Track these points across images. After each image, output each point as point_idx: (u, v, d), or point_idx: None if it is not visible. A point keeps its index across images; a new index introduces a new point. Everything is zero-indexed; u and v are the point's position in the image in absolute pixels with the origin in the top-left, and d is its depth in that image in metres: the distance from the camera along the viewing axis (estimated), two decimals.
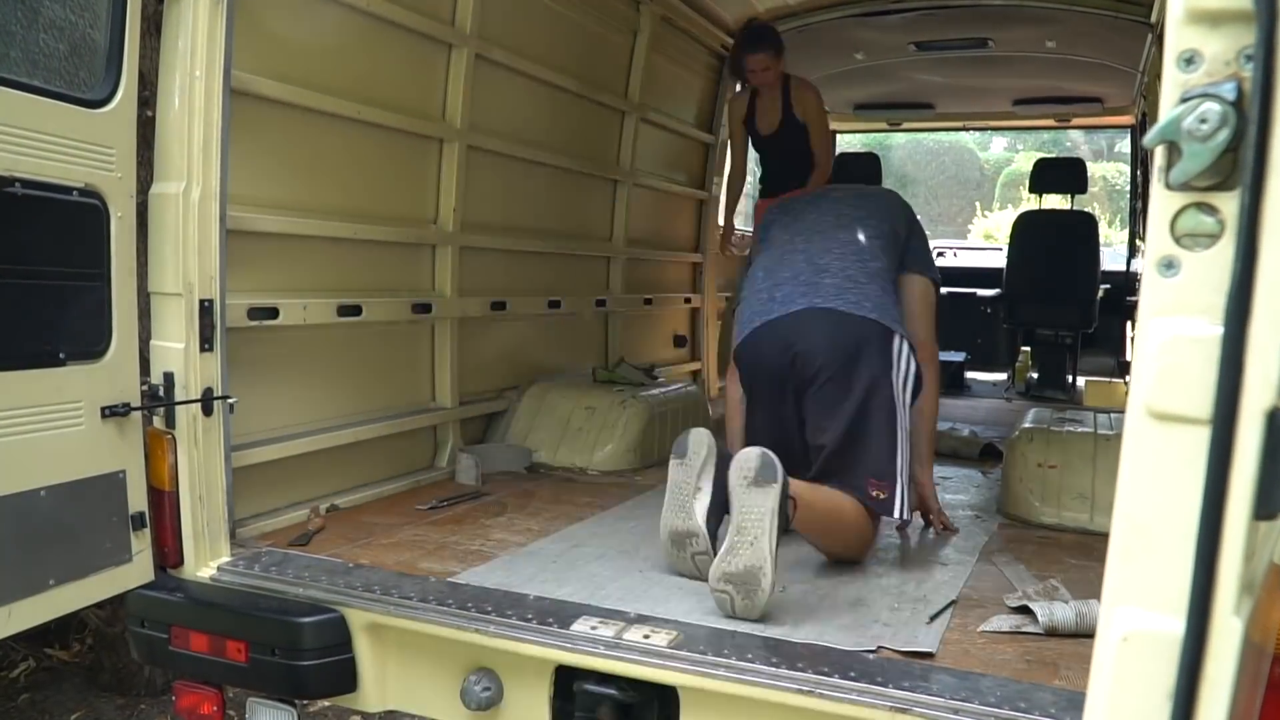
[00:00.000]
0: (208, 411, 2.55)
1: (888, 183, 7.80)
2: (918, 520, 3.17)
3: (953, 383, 6.72)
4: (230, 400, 2.61)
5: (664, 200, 5.64)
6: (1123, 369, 6.91)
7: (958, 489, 3.85)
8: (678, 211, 5.92)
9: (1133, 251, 7.15)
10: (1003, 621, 2.34)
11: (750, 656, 2.06)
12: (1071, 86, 6.57)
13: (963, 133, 22.52)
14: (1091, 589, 2.30)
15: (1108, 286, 6.76)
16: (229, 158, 2.56)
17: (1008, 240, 7.10)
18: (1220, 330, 1.10)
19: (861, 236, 3.17)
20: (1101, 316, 6.65)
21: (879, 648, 2.16)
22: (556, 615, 2.27)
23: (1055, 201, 7.10)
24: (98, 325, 2.36)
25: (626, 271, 5.19)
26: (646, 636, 2.14)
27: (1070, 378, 6.71)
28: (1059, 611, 2.30)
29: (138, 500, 2.46)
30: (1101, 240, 6.96)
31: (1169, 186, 1.15)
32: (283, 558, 2.64)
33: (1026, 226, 6.82)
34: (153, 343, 2.53)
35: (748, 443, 2.77)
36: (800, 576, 2.66)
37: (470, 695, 2.33)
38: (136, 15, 2.37)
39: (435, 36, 3.56)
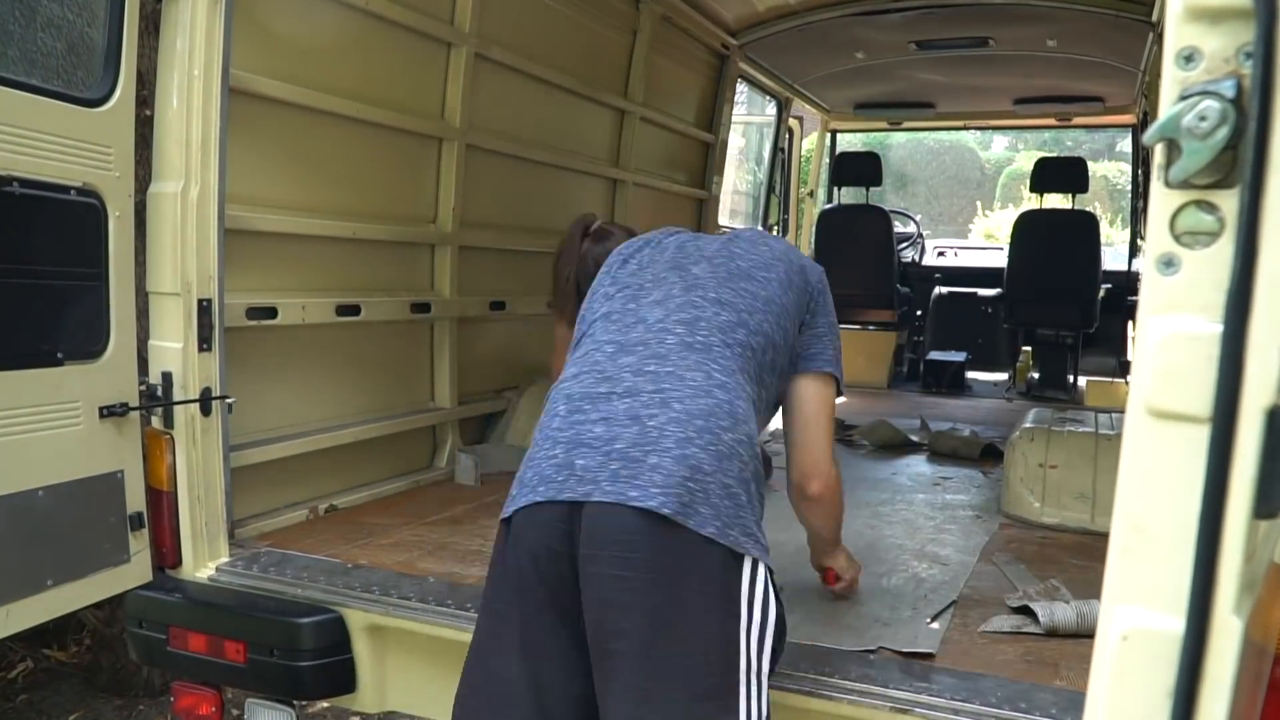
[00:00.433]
0: (206, 411, 2.54)
1: (888, 182, 7.79)
2: (920, 521, 3.16)
3: (953, 383, 6.72)
4: (229, 400, 2.61)
5: (664, 200, 5.63)
6: (1124, 369, 6.91)
7: (958, 489, 3.84)
8: (678, 211, 5.91)
9: (1134, 251, 7.15)
10: (1003, 622, 2.34)
11: None
12: (1072, 85, 6.56)
13: (963, 132, 22.54)
14: (1092, 589, 2.30)
15: (1109, 286, 6.76)
16: (227, 157, 2.56)
17: (1009, 240, 7.10)
18: (1220, 328, 1.10)
19: (707, 286, 2.03)
20: (1102, 316, 6.64)
21: (879, 648, 2.15)
22: None
23: (1056, 201, 7.09)
24: (96, 325, 2.36)
25: None
26: None
27: (1071, 377, 6.71)
28: (1060, 612, 2.29)
29: (136, 500, 2.46)
30: (1103, 240, 6.96)
31: (1168, 184, 1.15)
32: (281, 558, 2.64)
33: (1027, 226, 6.81)
34: (151, 342, 2.52)
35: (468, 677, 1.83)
36: (800, 577, 2.65)
37: None
38: (135, 14, 2.37)
39: (434, 35, 3.56)
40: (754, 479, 1.78)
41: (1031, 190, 7.12)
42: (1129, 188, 8.37)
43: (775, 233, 7.43)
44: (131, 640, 2.59)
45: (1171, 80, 1.14)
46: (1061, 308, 6.55)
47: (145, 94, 2.56)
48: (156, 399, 2.48)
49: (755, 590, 1.70)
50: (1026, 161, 20.47)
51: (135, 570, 2.47)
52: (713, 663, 1.65)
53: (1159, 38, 4.07)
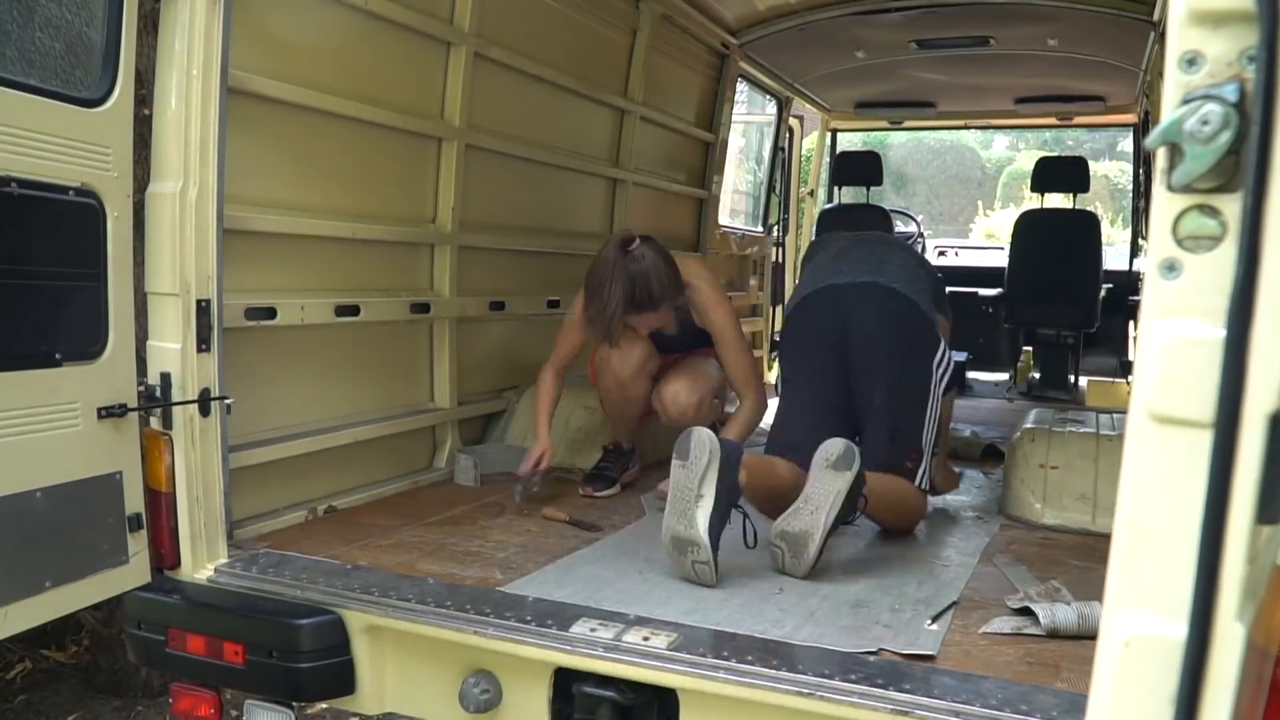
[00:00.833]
0: (205, 412, 2.54)
1: (888, 181, 7.77)
2: (922, 522, 3.16)
3: (954, 383, 6.70)
4: (227, 401, 2.60)
5: (664, 199, 5.63)
6: (1125, 369, 6.90)
7: (959, 490, 3.83)
8: (677, 210, 5.91)
9: (1135, 251, 7.14)
10: (1004, 623, 2.33)
11: (751, 658, 2.06)
12: (1073, 85, 6.55)
13: (964, 131, 22.52)
14: (1093, 590, 2.29)
15: (1110, 286, 6.74)
16: (226, 157, 2.55)
17: (1009, 239, 7.10)
18: (1223, 333, 1.09)
19: (907, 259, 3.51)
20: (1104, 316, 6.63)
21: (880, 650, 2.15)
22: (555, 617, 2.26)
23: (1057, 200, 7.09)
24: (94, 325, 2.35)
25: None
26: (646, 638, 2.13)
27: (1072, 378, 6.70)
28: (1061, 613, 2.29)
29: (134, 501, 2.45)
30: (1104, 239, 6.95)
31: (1171, 189, 1.14)
32: (280, 559, 2.63)
33: (1028, 225, 6.81)
34: (149, 343, 2.52)
35: (792, 410, 3.28)
36: (800, 578, 2.65)
37: (469, 697, 2.32)
38: (133, 13, 2.36)
39: (433, 35, 3.55)
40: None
41: (1032, 190, 7.11)
42: (1130, 187, 8.37)
43: (775, 232, 7.43)
44: (130, 641, 2.58)
45: (1174, 84, 1.13)
46: (1062, 307, 6.54)
47: (144, 94, 2.55)
48: (155, 400, 2.47)
49: (940, 347, 3.23)
50: (1027, 161, 20.44)
51: (134, 571, 2.47)
52: (923, 377, 3.18)
53: (1160, 37, 4.06)
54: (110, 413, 2.36)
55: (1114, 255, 7.43)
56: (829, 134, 7.98)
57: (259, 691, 2.50)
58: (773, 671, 2.01)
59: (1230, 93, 1.09)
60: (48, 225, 2.24)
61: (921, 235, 8.84)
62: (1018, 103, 7.08)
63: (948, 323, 3.59)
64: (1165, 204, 1.16)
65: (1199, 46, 1.12)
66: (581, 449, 3.95)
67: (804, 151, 8.08)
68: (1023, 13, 5.11)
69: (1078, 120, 7.82)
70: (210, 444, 2.56)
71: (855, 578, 2.68)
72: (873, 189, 7.40)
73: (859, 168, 7.33)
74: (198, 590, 2.54)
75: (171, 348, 2.49)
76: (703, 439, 2.63)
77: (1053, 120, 7.91)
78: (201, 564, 2.56)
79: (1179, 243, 1.15)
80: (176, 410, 2.49)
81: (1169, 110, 1.12)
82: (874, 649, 2.15)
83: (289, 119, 3.03)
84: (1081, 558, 2.87)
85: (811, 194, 8.08)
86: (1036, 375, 6.81)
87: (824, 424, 2.98)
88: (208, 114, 2.49)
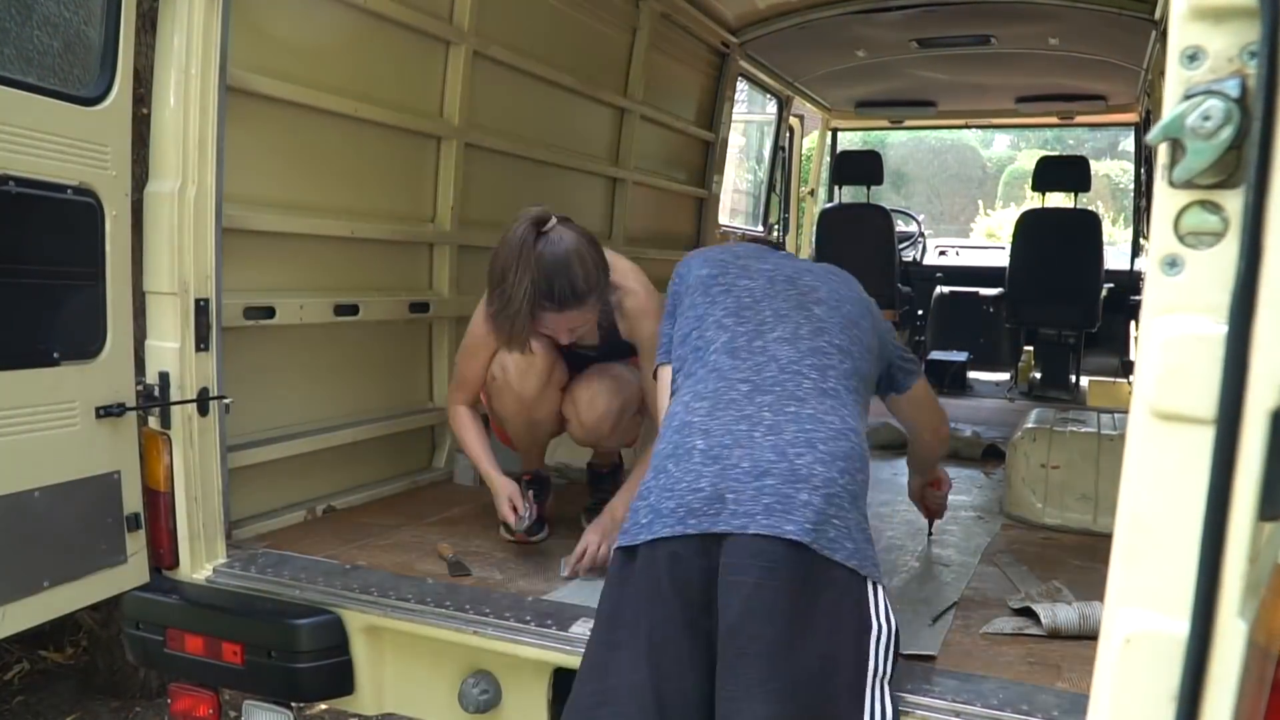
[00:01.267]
0: (203, 411, 2.53)
1: (888, 180, 7.77)
2: (921, 522, 3.15)
3: (954, 383, 6.70)
4: (226, 400, 2.59)
5: (664, 198, 5.62)
6: (1127, 369, 6.89)
7: (960, 490, 3.82)
8: (677, 209, 5.90)
9: (1137, 250, 7.13)
10: (1005, 623, 2.32)
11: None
12: (1075, 84, 6.55)
13: (965, 130, 22.51)
14: (1095, 590, 2.28)
15: (1111, 285, 6.73)
16: (225, 155, 2.54)
17: (1010, 239, 7.08)
18: (1224, 329, 1.09)
19: (831, 331, 2.19)
20: (1105, 316, 6.62)
21: None
22: (555, 617, 2.26)
23: (1059, 200, 7.08)
24: (92, 325, 2.35)
25: None
26: None
27: (1073, 377, 6.69)
28: (1062, 613, 2.28)
29: (133, 501, 2.45)
30: (1105, 239, 6.94)
31: (1172, 184, 1.14)
32: (279, 559, 2.63)
33: (1029, 225, 6.79)
34: (148, 342, 2.51)
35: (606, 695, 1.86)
36: None
37: (468, 697, 2.32)
38: (131, 12, 2.36)
39: (433, 33, 3.54)
40: (865, 509, 2.00)
41: (1033, 189, 7.10)
42: (1131, 186, 8.36)
43: (775, 232, 7.43)
44: (128, 641, 2.58)
45: (1175, 79, 1.13)
46: (1064, 307, 6.53)
47: (142, 92, 2.55)
48: (153, 399, 2.47)
49: (879, 607, 1.88)
50: (1028, 160, 20.46)
51: (132, 571, 2.46)
52: (845, 667, 1.80)
53: (1162, 35, 4.06)
54: (108, 412, 2.36)
55: (1115, 255, 7.41)
56: (829, 133, 7.98)
57: (257, 692, 2.50)
58: None
59: (1232, 88, 1.09)
60: (46, 224, 2.24)
61: (922, 235, 8.84)
62: (1019, 102, 7.08)
63: (923, 385, 2.59)
64: (1167, 200, 1.15)
65: (1200, 42, 1.12)
66: (578, 450, 3.92)
67: (804, 151, 8.08)
68: (1023, 11, 5.11)
69: (1079, 119, 7.82)
70: (209, 443, 2.56)
71: None
72: (873, 188, 7.39)
73: (859, 167, 7.33)
74: (196, 590, 2.53)
75: (170, 347, 2.48)
76: None
77: (1054, 119, 7.91)
78: (200, 564, 2.55)
79: (1180, 239, 1.14)
80: (175, 410, 2.48)
81: (1170, 106, 1.12)
82: None
83: (288, 117, 3.02)
84: (1083, 558, 2.86)
85: (812, 193, 8.08)
86: (1038, 375, 6.80)
87: None
88: (206, 112, 2.48)
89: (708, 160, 6.00)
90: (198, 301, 2.50)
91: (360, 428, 3.34)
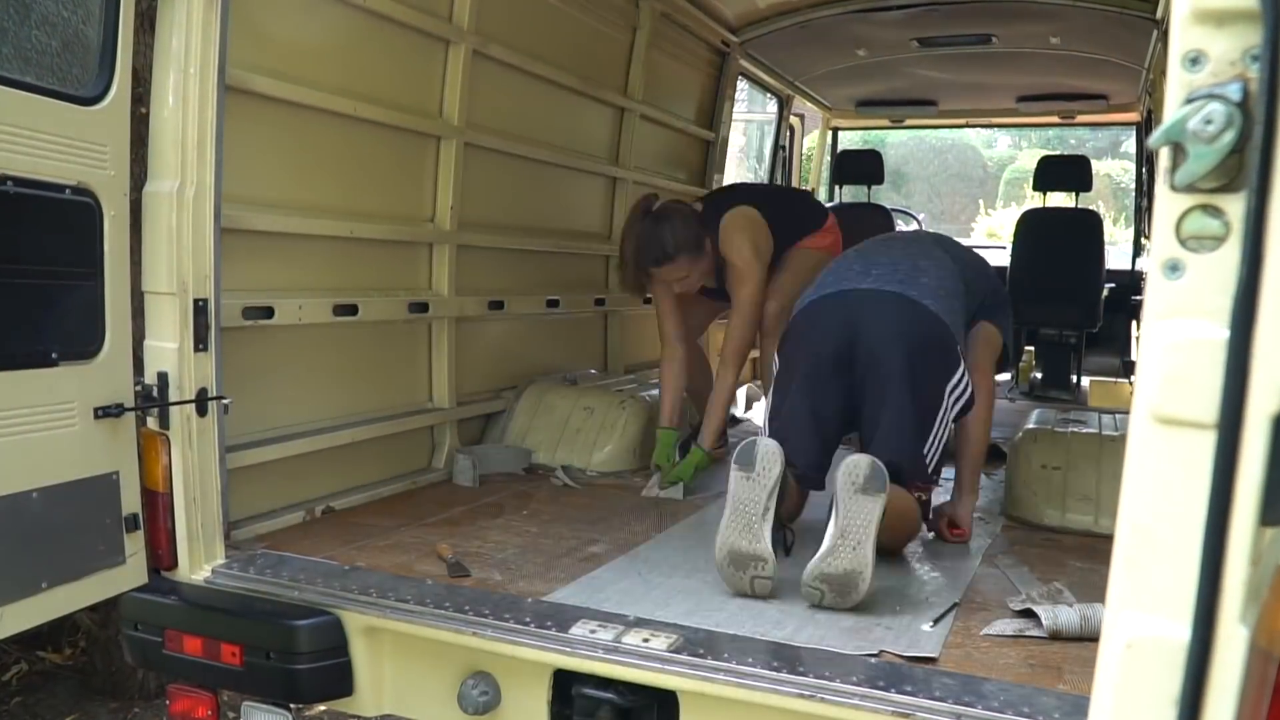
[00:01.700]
0: (202, 412, 2.53)
1: (889, 180, 7.75)
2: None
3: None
4: (225, 400, 2.59)
5: (664, 197, 5.61)
6: (1128, 369, 6.88)
7: None
8: None
9: (1138, 250, 7.12)
10: (1006, 625, 2.32)
11: (751, 660, 2.05)
12: (1076, 83, 6.54)
13: (966, 130, 22.50)
14: (1096, 592, 2.28)
15: (1113, 285, 6.72)
16: (223, 155, 2.54)
17: (1011, 239, 7.08)
18: (1226, 334, 1.08)
19: (950, 265, 3.20)
20: (1106, 316, 6.61)
21: (881, 651, 2.14)
22: (555, 618, 2.26)
23: (1060, 199, 7.07)
24: (91, 325, 2.34)
25: None
26: (646, 640, 2.12)
27: (1075, 378, 6.68)
28: (1063, 615, 2.28)
29: (131, 502, 2.44)
30: (1106, 239, 6.93)
31: (1174, 188, 1.14)
32: (278, 560, 2.62)
33: (1030, 225, 6.79)
34: (146, 342, 2.51)
35: (781, 416, 2.99)
36: (801, 579, 2.64)
37: (467, 699, 2.31)
38: (130, 11, 2.35)
39: (432, 32, 3.54)
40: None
41: (1034, 189, 7.10)
42: (1133, 186, 8.35)
43: None
44: (127, 643, 2.57)
45: (1177, 83, 1.13)
46: (1065, 307, 6.52)
47: (141, 92, 2.54)
48: (152, 399, 2.46)
49: (958, 371, 2.95)
50: (1029, 160, 20.44)
51: (131, 572, 2.45)
52: (934, 400, 2.90)
53: (1163, 35, 4.05)
54: (107, 412, 2.35)
55: (1116, 254, 7.41)
56: (830, 132, 7.97)
57: (256, 693, 2.49)
58: (773, 673, 2.00)
59: (1234, 92, 1.09)
60: (44, 224, 2.23)
61: None
62: (1020, 101, 7.06)
63: (998, 332, 3.36)
64: (1168, 204, 1.15)
65: (1202, 45, 1.11)
66: (578, 451, 3.93)
67: (805, 150, 8.06)
68: (1024, 10, 5.10)
69: (1080, 119, 7.81)
70: (207, 444, 2.55)
71: None
72: (874, 187, 7.38)
73: (860, 166, 7.32)
74: (195, 591, 2.52)
75: (169, 347, 2.48)
76: (769, 451, 2.56)
77: (1055, 119, 7.90)
78: (199, 565, 2.54)
79: (1182, 243, 1.14)
80: (174, 410, 2.48)
81: (1172, 109, 1.12)
82: (875, 651, 2.14)
83: (287, 117, 3.02)
84: (1084, 559, 2.86)
85: (813, 193, 8.06)
86: (1039, 375, 6.79)
87: (815, 438, 2.92)
88: (205, 112, 2.48)
89: (708, 160, 5.99)
90: (196, 302, 2.49)
91: (359, 428, 3.34)
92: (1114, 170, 22.13)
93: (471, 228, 3.86)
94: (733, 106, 6.11)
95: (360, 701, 2.47)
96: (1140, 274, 6.57)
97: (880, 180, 7.34)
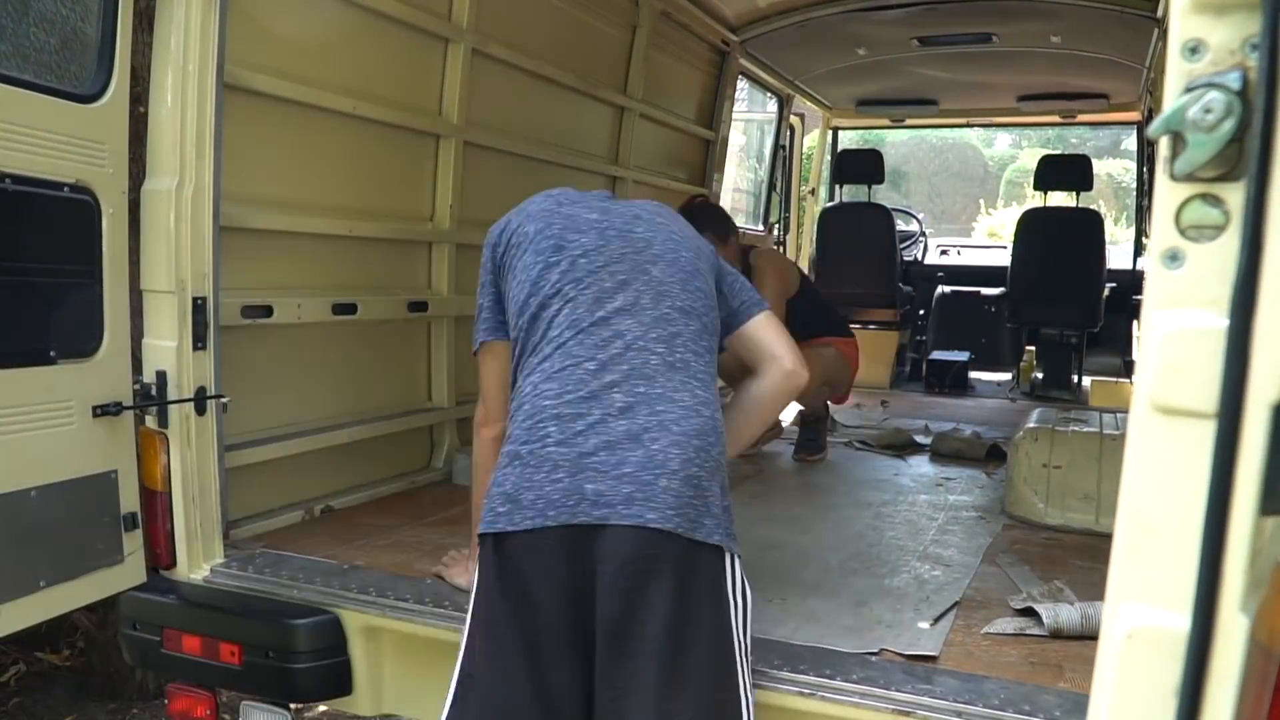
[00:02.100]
0: (201, 411, 2.53)
1: (889, 179, 7.73)
2: (923, 522, 3.13)
3: (956, 383, 6.69)
4: (224, 399, 2.59)
5: (663, 197, 5.57)
6: (1128, 369, 6.87)
7: (962, 490, 3.82)
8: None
9: (1139, 249, 7.11)
10: (1007, 624, 2.31)
11: (751, 659, 2.03)
12: (1077, 82, 6.54)
13: (966, 129, 22.50)
14: (1097, 591, 2.27)
15: (1114, 285, 6.72)
16: (222, 153, 2.54)
17: (1012, 238, 7.07)
18: (1226, 323, 1.08)
19: (673, 294, 2.07)
20: (1107, 315, 6.61)
21: (881, 650, 2.13)
22: None
23: (1060, 199, 7.07)
24: (89, 323, 2.34)
25: None
26: None
27: (1075, 377, 6.67)
28: (1064, 613, 2.27)
29: (129, 500, 2.45)
30: (1107, 238, 6.92)
31: (1173, 178, 1.13)
32: (277, 559, 2.62)
33: (1031, 224, 6.78)
34: (145, 341, 2.51)
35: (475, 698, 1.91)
36: (801, 577, 2.63)
37: None
38: (129, 9, 2.36)
39: (431, 31, 3.53)
40: (726, 478, 1.99)
41: (1035, 188, 7.09)
42: (1134, 185, 8.35)
43: (776, 231, 7.42)
44: (125, 642, 2.57)
45: (1177, 72, 1.12)
46: (1066, 307, 6.52)
47: (139, 90, 2.54)
48: (150, 398, 2.46)
49: (737, 583, 1.90)
50: (1030, 159, 20.45)
51: (129, 571, 2.46)
52: (721, 653, 1.85)
53: (1164, 34, 4.05)
54: (105, 411, 2.35)
55: (1117, 254, 7.40)
56: (830, 132, 7.97)
57: (255, 692, 2.50)
58: (774, 672, 2.00)
59: (1233, 80, 1.08)
60: (42, 222, 2.23)
61: (923, 234, 8.83)
62: (1020, 100, 7.07)
63: (767, 311, 2.30)
64: (1168, 193, 1.14)
65: (1202, 34, 1.11)
66: None
67: (805, 149, 8.07)
68: (1025, 9, 5.10)
69: (1081, 118, 7.81)
70: (206, 443, 2.55)
71: (856, 578, 2.66)
72: (874, 187, 7.38)
73: (860, 166, 7.32)
74: (194, 590, 2.52)
75: (167, 346, 2.47)
76: None
77: (1056, 118, 7.90)
78: (197, 564, 2.54)
79: (1181, 232, 1.14)
80: (172, 409, 2.48)
81: (1171, 98, 1.11)
82: (875, 649, 2.13)
83: (286, 115, 3.01)
84: (1085, 558, 2.85)
85: (813, 192, 8.07)
86: (1039, 375, 6.79)
87: None
88: (204, 110, 2.48)
89: (708, 159, 5.98)
90: (195, 300, 2.49)
91: (358, 427, 3.33)
92: (1115, 169, 22.15)
93: (471, 226, 3.85)
94: (733, 106, 6.10)
95: (359, 701, 2.47)
96: (1141, 273, 6.56)
97: (880, 180, 7.34)
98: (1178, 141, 1.12)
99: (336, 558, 2.66)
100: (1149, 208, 6.30)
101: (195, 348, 2.50)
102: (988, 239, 17.89)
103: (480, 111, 3.82)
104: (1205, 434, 1.09)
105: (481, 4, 3.68)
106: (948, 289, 7.53)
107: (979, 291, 7.35)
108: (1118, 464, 1.21)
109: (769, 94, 7.05)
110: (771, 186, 7.35)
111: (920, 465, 4.29)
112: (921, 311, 7.58)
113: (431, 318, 3.72)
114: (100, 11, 2.33)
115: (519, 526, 1.83)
